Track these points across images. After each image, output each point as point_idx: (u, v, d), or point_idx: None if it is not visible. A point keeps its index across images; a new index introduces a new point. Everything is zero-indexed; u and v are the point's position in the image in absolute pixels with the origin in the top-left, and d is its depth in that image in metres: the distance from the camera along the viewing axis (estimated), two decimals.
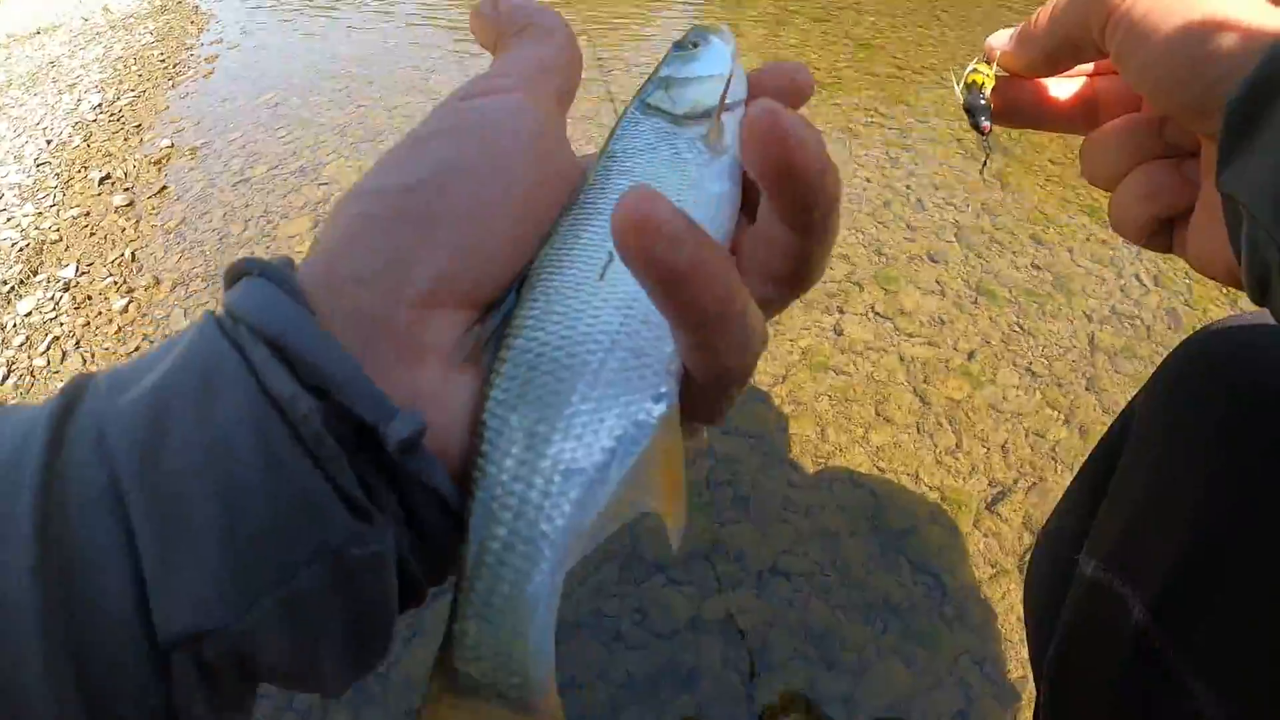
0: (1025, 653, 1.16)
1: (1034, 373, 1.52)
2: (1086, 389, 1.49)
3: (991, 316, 1.63)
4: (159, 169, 2.31)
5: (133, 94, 2.87)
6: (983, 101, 0.40)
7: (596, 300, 0.27)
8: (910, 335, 1.59)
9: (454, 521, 0.26)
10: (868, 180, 1.98)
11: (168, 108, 2.75)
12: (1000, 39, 0.40)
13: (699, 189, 0.30)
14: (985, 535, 1.26)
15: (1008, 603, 1.19)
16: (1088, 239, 1.83)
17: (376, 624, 0.25)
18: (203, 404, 0.23)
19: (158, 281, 1.83)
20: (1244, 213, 0.26)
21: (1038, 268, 1.75)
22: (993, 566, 1.23)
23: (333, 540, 0.23)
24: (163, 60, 3.21)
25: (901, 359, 1.54)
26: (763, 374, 1.51)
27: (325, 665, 0.25)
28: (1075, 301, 1.67)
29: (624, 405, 0.26)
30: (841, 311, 1.63)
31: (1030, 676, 1.13)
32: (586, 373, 0.26)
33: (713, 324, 0.24)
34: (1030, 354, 1.56)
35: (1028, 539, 1.26)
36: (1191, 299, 1.71)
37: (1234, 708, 0.37)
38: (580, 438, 0.26)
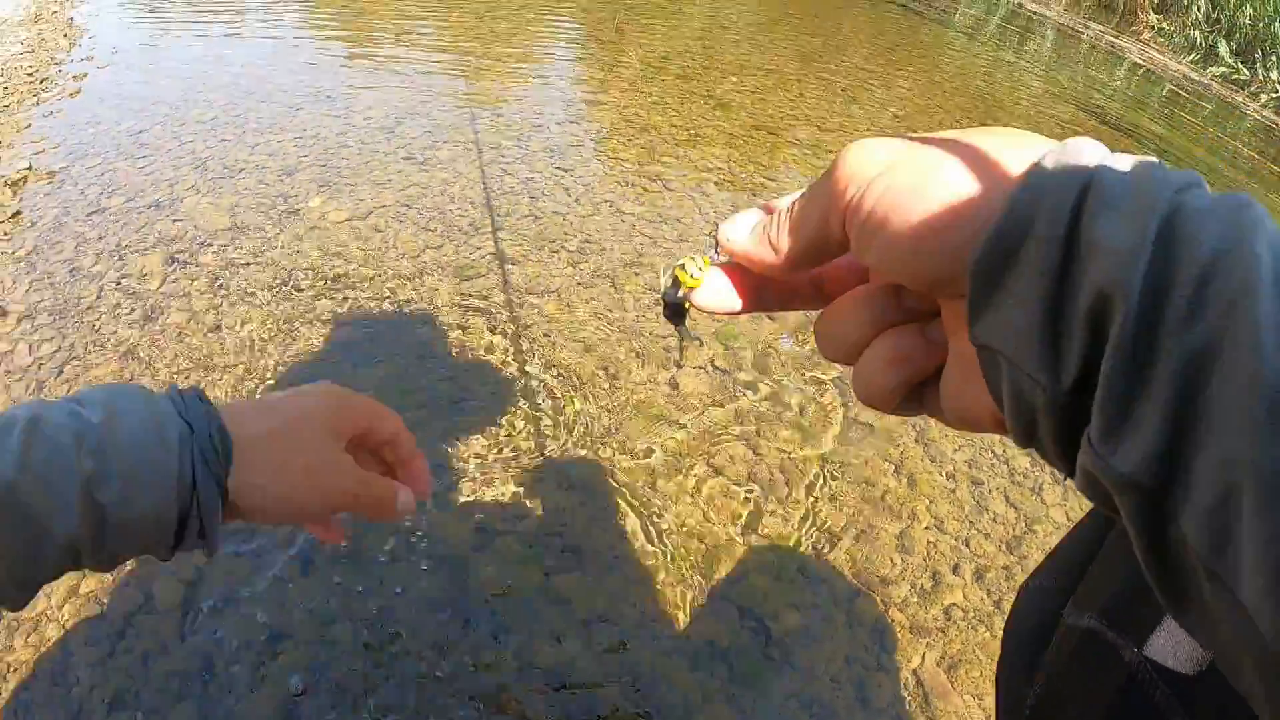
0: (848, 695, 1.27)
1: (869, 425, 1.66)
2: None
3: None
4: (14, 192, 2.25)
5: None
6: (680, 300, 0.40)
7: None
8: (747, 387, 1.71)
9: None
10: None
11: (30, 125, 2.67)
12: (738, 233, 0.37)
13: None
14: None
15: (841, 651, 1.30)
16: None
17: None
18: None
19: (4, 313, 1.79)
20: (1002, 361, 0.27)
21: None
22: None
23: None
24: (30, 74, 3.11)
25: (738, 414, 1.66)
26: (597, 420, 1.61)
27: None
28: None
29: None
30: (679, 366, 1.74)
31: None
32: None
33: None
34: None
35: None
36: None
37: None
38: None
